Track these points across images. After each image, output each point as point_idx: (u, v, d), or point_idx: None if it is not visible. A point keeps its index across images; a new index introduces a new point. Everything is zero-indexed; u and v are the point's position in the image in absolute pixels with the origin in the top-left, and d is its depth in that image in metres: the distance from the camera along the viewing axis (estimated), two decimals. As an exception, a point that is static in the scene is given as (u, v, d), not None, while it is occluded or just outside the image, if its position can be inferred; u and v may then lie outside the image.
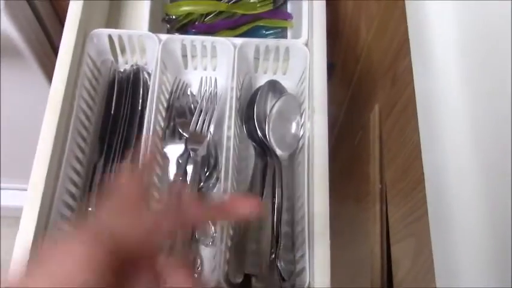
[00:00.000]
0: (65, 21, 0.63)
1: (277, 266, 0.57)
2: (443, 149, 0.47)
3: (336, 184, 0.60)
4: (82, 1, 0.64)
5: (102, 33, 0.66)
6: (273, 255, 0.58)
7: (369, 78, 0.76)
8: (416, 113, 0.50)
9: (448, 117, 0.46)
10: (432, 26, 0.50)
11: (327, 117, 0.60)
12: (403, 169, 0.59)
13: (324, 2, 0.67)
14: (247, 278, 0.56)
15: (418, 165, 0.52)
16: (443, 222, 0.46)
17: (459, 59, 0.46)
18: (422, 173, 0.50)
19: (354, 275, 0.76)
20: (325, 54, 0.63)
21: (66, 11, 0.64)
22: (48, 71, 0.83)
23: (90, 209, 0.59)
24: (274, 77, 0.69)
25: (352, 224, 0.81)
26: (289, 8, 0.77)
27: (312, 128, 0.60)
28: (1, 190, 1.29)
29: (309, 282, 0.53)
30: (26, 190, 1.20)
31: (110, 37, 0.66)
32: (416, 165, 0.53)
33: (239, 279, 0.55)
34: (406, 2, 0.55)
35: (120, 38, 0.66)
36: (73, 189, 0.59)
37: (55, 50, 0.87)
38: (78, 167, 0.60)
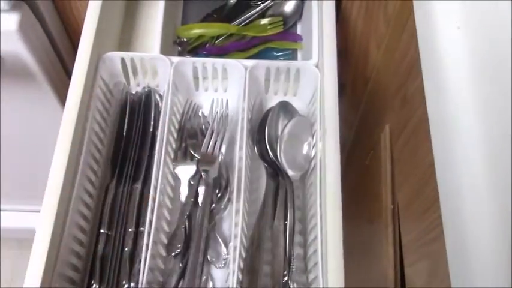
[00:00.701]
0: (76, 43, 0.64)
1: (290, 288, 0.57)
2: (457, 169, 0.46)
3: (346, 205, 0.59)
4: (95, 24, 0.64)
5: (115, 56, 0.66)
6: (286, 277, 0.58)
7: (379, 99, 0.76)
8: (429, 134, 0.50)
9: (462, 137, 0.46)
10: (443, 45, 0.50)
11: (338, 138, 0.60)
12: (416, 190, 0.58)
13: (334, 23, 0.67)
14: (260, 300, 0.56)
15: (432, 185, 0.51)
16: (458, 244, 0.46)
17: (472, 78, 0.46)
18: (437, 194, 0.49)
19: (367, 298, 0.75)
20: (336, 76, 0.63)
21: (78, 33, 0.65)
22: (60, 93, 0.84)
23: (102, 230, 0.59)
24: (285, 98, 0.69)
25: (364, 246, 0.80)
26: (299, 29, 0.78)
27: (324, 148, 0.59)
28: (8, 212, 1.29)
29: (323, 304, 0.53)
30: (27, 211, 1.21)
31: (122, 60, 0.67)
32: (430, 185, 0.53)
33: (252, 302, 0.55)
34: (416, 21, 0.55)
35: (132, 60, 0.67)
36: (85, 210, 0.59)
37: (67, 72, 0.88)
38: (90, 188, 0.61)
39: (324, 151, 0.60)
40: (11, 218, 1.26)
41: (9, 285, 1.39)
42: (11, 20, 0.70)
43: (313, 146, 0.63)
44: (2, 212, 1.26)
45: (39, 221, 0.53)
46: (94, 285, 0.56)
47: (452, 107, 0.48)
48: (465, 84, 0.46)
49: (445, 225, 0.48)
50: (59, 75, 0.85)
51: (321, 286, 0.53)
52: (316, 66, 0.67)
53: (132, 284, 0.57)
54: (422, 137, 0.54)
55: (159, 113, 0.66)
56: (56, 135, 0.58)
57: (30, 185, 0.99)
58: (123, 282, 0.57)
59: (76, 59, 0.62)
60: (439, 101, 0.51)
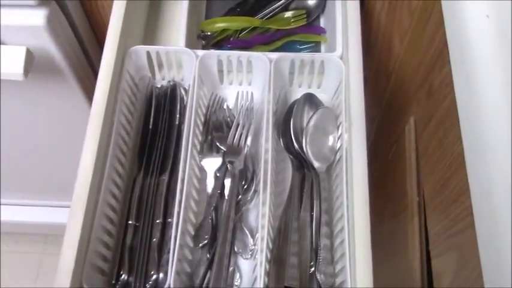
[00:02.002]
0: (102, 39, 0.65)
1: (316, 279, 0.57)
2: (487, 159, 0.46)
3: (371, 197, 0.59)
4: (121, 19, 0.65)
5: (141, 50, 0.67)
6: (313, 268, 0.58)
7: (403, 92, 0.76)
8: (458, 124, 0.50)
9: (491, 127, 0.46)
10: (471, 35, 0.50)
11: (365, 129, 0.60)
12: (443, 181, 0.58)
13: (359, 15, 0.67)
14: (287, 290, 0.56)
15: (461, 176, 0.51)
16: (488, 235, 0.46)
17: (501, 67, 0.45)
18: (467, 183, 0.49)
19: (393, 290, 0.75)
20: (361, 66, 0.63)
21: (104, 29, 0.66)
22: (86, 88, 0.85)
23: (130, 222, 0.60)
24: (309, 91, 0.70)
25: (389, 239, 0.80)
26: (323, 22, 0.78)
27: (350, 139, 0.60)
28: (35, 207, 1.31)
29: (351, 295, 0.53)
30: (53, 207, 1.23)
31: (148, 54, 0.68)
32: (458, 175, 0.52)
33: (280, 292, 0.55)
34: (443, 11, 0.55)
35: (157, 54, 0.68)
36: (114, 202, 0.60)
37: (92, 68, 0.89)
38: (118, 180, 0.61)
39: (350, 142, 0.60)
40: (38, 214, 1.27)
41: (35, 281, 1.42)
42: (39, 16, 0.71)
43: (339, 138, 0.63)
44: (29, 207, 1.28)
45: (70, 211, 0.54)
46: (123, 275, 0.57)
47: (480, 96, 0.48)
48: (494, 73, 0.46)
49: (474, 216, 0.47)
50: (85, 70, 0.86)
51: (349, 276, 0.53)
52: (341, 58, 0.67)
53: (161, 274, 0.57)
54: (450, 126, 0.54)
55: (184, 106, 0.67)
56: (82, 130, 0.59)
57: (57, 180, 1.01)
58: (152, 272, 0.57)
59: (103, 53, 0.63)
60: (467, 91, 0.50)
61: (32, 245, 1.45)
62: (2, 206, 1.28)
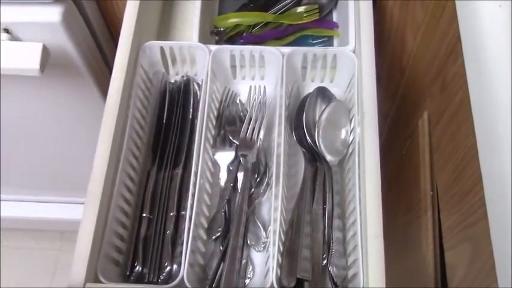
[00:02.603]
0: (116, 34, 0.66)
1: (329, 271, 0.57)
2: (499, 151, 0.46)
3: (384, 194, 0.59)
4: (135, 14, 0.66)
5: (155, 45, 0.68)
6: (325, 261, 0.58)
7: (416, 86, 0.75)
8: (471, 115, 0.50)
9: (504, 118, 0.46)
10: (484, 25, 0.49)
11: (377, 122, 0.60)
12: (456, 174, 0.58)
13: (371, 8, 0.67)
14: (300, 282, 0.56)
15: (474, 168, 0.51)
16: (501, 226, 0.45)
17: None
18: (479, 175, 0.49)
19: (405, 284, 0.75)
20: (374, 60, 0.63)
21: (118, 26, 0.67)
22: (101, 84, 0.86)
23: (144, 214, 0.61)
24: (322, 85, 0.70)
25: (402, 233, 0.80)
26: (335, 17, 0.78)
27: (362, 133, 0.60)
28: (50, 204, 1.33)
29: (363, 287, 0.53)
30: (69, 203, 1.24)
31: (161, 49, 0.68)
32: (471, 167, 0.52)
33: (292, 284, 0.55)
34: (456, 3, 0.55)
35: (171, 49, 0.68)
36: (128, 195, 0.61)
37: (107, 64, 0.90)
38: (132, 173, 0.62)
39: (362, 136, 0.60)
40: (53, 210, 1.29)
41: (51, 276, 1.43)
42: (55, 12, 0.72)
43: (351, 131, 0.64)
44: (45, 203, 1.29)
45: (85, 203, 0.55)
46: (137, 267, 0.58)
47: (493, 88, 0.47)
48: (507, 65, 0.46)
49: (487, 207, 0.47)
50: (100, 66, 0.87)
51: (361, 269, 0.53)
52: (353, 52, 0.67)
53: (174, 266, 0.58)
54: (463, 119, 0.54)
55: (198, 101, 0.67)
56: (97, 125, 0.59)
57: (73, 177, 1.02)
58: (165, 264, 0.58)
59: (118, 48, 0.64)
60: (480, 83, 0.50)
61: (50, 242, 1.47)
62: (19, 203, 1.30)
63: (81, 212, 0.55)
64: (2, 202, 1.30)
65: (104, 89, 0.86)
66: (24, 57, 0.70)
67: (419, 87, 0.74)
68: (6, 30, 0.73)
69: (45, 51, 0.71)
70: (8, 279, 1.42)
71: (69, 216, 1.25)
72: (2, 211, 1.30)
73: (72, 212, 1.25)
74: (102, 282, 0.53)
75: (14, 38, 0.74)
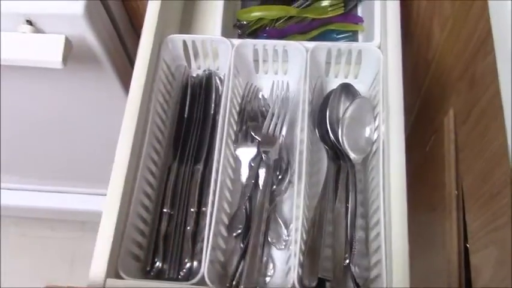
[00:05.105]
0: (137, 25, 0.65)
1: (351, 271, 0.56)
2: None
3: (406, 191, 0.58)
4: (158, 8, 0.65)
5: (177, 38, 0.67)
6: (347, 261, 0.57)
7: (442, 82, 0.74)
8: (501, 114, 0.48)
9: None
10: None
11: (403, 120, 0.58)
12: (484, 174, 0.56)
13: (398, 2, 0.66)
14: (321, 282, 0.55)
15: (504, 169, 0.50)
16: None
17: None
18: (509, 178, 0.47)
19: (428, 284, 0.74)
20: (400, 56, 0.62)
21: (140, 19, 0.66)
22: (123, 78, 0.86)
23: (165, 210, 0.61)
24: (346, 81, 0.68)
25: (425, 233, 0.79)
26: (360, 11, 0.77)
27: (387, 131, 0.58)
28: (72, 195, 1.34)
29: (386, 288, 0.52)
30: (91, 194, 1.25)
31: (184, 43, 0.68)
32: (501, 168, 0.51)
33: (313, 283, 0.55)
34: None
35: (193, 43, 0.68)
36: (149, 190, 0.61)
37: (129, 57, 0.90)
38: (153, 168, 0.62)
39: (387, 134, 0.58)
40: (75, 201, 1.30)
41: (70, 266, 1.45)
42: (78, 5, 0.72)
43: (376, 129, 0.62)
44: (66, 194, 1.30)
45: (107, 198, 0.55)
46: (157, 263, 0.58)
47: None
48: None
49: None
50: (122, 59, 0.87)
51: (384, 270, 0.52)
52: (379, 47, 0.66)
53: (195, 263, 0.58)
54: (493, 118, 0.52)
55: (220, 96, 0.67)
56: (118, 118, 0.59)
57: (93, 168, 1.03)
58: (186, 260, 0.58)
59: (140, 42, 0.63)
60: (511, 81, 0.49)
61: (69, 232, 1.49)
62: (39, 193, 1.31)
63: (101, 203, 0.55)
64: (22, 192, 1.31)
65: (125, 82, 0.86)
66: (47, 50, 0.70)
67: (445, 82, 0.72)
68: (29, 22, 0.73)
69: (68, 44, 0.71)
70: (27, 268, 1.44)
71: (89, 207, 1.26)
72: (22, 201, 1.31)
73: (92, 203, 1.26)
74: (122, 278, 0.53)
75: (36, 30, 0.74)
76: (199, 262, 0.56)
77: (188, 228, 0.59)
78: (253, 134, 0.64)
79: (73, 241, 1.47)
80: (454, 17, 0.65)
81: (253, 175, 0.62)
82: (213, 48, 0.68)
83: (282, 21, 0.75)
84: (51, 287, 0.46)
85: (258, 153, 0.63)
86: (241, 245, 0.59)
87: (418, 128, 0.89)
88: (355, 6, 0.76)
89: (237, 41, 0.66)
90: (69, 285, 0.46)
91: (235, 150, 0.64)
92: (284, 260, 0.59)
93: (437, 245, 0.70)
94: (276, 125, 0.64)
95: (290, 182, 0.62)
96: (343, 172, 0.61)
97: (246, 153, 0.64)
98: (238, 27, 0.74)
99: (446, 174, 0.69)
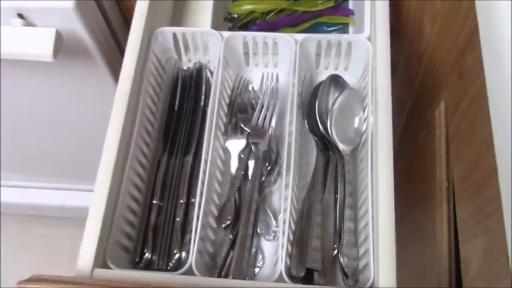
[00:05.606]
0: (129, 20, 0.65)
1: (339, 261, 0.56)
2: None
3: (398, 185, 0.58)
4: (148, 1, 0.65)
5: (167, 31, 0.67)
6: (336, 251, 0.57)
7: (434, 76, 0.74)
8: (487, 105, 0.48)
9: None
10: (502, 12, 0.48)
11: (391, 111, 0.58)
12: (472, 165, 0.57)
13: (388, -2, 0.66)
14: (310, 272, 0.55)
15: (489, 158, 0.50)
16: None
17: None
18: (495, 166, 0.47)
19: (419, 276, 0.74)
20: (389, 47, 0.62)
21: (131, 11, 0.66)
22: (115, 71, 0.86)
23: (154, 201, 0.61)
24: (336, 73, 0.68)
25: (416, 224, 0.79)
26: (351, 4, 0.77)
27: (376, 122, 0.58)
28: (66, 191, 1.34)
29: (373, 279, 0.52)
30: (83, 190, 1.24)
31: (174, 35, 0.68)
32: (487, 159, 0.51)
33: (301, 273, 0.55)
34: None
35: (183, 36, 0.68)
36: (138, 181, 0.61)
37: (121, 50, 0.90)
38: (143, 160, 0.62)
39: (375, 125, 0.59)
40: (76, 198, 1.30)
41: (70, 264, 1.45)
42: (69, -2, 0.72)
43: (365, 120, 0.62)
44: (67, 191, 1.30)
45: (95, 189, 0.55)
46: (147, 254, 0.58)
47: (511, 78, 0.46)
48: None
49: (503, 200, 0.46)
50: (113, 52, 0.87)
51: (372, 260, 0.52)
52: (368, 39, 0.66)
53: (183, 253, 0.58)
54: (479, 109, 0.53)
55: (210, 88, 0.67)
56: (109, 111, 0.59)
57: (87, 163, 1.02)
58: (175, 251, 0.58)
59: (130, 34, 0.64)
60: (497, 73, 0.49)
61: (69, 229, 1.48)
62: (40, 190, 1.31)
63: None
64: (20, 189, 1.31)
65: (117, 75, 0.85)
66: (38, 43, 0.70)
67: (437, 76, 0.72)
68: (20, 16, 0.73)
69: (59, 37, 0.71)
70: (28, 265, 1.44)
71: (87, 203, 1.26)
72: (21, 198, 1.31)
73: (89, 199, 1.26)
74: (110, 268, 0.53)
75: (27, 23, 0.74)
76: (188, 253, 0.56)
77: (177, 219, 0.60)
78: (242, 125, 0.64)
79: (73, 239, 1.47)
80: (445, 12, 0.65)
81: (243, 166, 0.62)
82: (203, 41, 0.68)
83: (272, 14, 0.75)
84: (37, 276, 0.46)
85: (248, 145, 0.63)
86: (230, 236, 0.59)
87: (411, 121, 0.89)
88: (346, -1, 0.77)
89: (227, 33, 0.66)
90: (55, 275, 0.46)
91: (224, 142, 0.64)
92: (273, 250, 0.59)
93: (428, 235, 0.70)
94: (265, 116, 0.64)
95: (279, 173, 0.62)
96: (332, 163, 0.61)
97: (236, 145, 0.64)
98: (229, 21, 0.74)
99: (437, 167, 0.69)
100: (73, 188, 1.30)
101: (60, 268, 1.48)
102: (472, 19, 0.53)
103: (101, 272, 0.51)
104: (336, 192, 0.60)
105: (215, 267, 0.58)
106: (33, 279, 0.45)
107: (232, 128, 0.65)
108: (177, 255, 0.58)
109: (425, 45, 0.75)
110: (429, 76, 0.76)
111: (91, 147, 1.06)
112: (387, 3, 0.66)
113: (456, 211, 0.62)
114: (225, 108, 0.66)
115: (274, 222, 0.60)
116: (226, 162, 0.64)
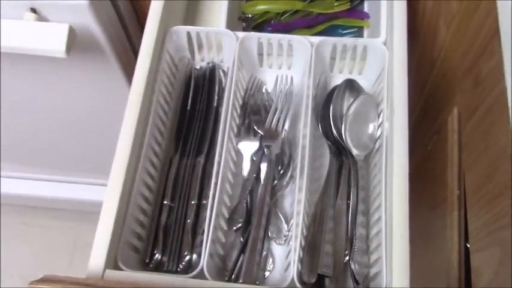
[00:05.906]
0: (143, 19, 0.65)
1: (351, 268, 0.56)
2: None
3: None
4: (163, 0, 0.65)
5: (181, 30, 0.67)
6: (347, 258, 0.57)
7: (447, 80, 0.73)
8: (507, 114, 0.48)
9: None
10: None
11: (407, 118, 0.58)
12: (487, 174, 0.56)
13: (405, 2, 0.65)
14: (320, 278, 0.55)
15: (506, 169, 0.49)
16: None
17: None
18: (511, 178, 0.47)
19: (428, 284, 0.73)
20: (406, 53, 0.61)
21: (145, 10, 0.66)
22: (126, 68, 0.86)
23: (165, 202, 0.60)
24: (350, 77, 0.68)
25: (426, 231, 0.78)
26: (366, 7, 0.76)
27: (391, 128, 0.58)
28: (72, 184, 1.33)
29: (386, 287, 0.52)
30: (90, 184, 1.24)
31: (188, 34, 0.67)
32: (503, 169, 0.50)
33: (313, 279, 0.54)
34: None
35: (198, 35, 0.67)
36: (150, 181, 0.60)
37: (133, 47, 0.90)
38: (155, 160, 0.61)
39: (391, 131, 0.58)
40: (77, 190, 1.30)
41: (71, 255, 1.45)
42: (83, -6, 0.72)
43: (379, 126, 0.62)
44: (68, 183, 1.30)
45: (108, 189, 0.55)
46: (157, 255, 0.58)
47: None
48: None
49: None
50: (126, 50, 0.87)
51: (384, 267, 0.52)
52: (384, 44, 0.65)
53: (194, 255, 0.57)
54: (498, 118, 0.52)
55: (223, 88, 0.66)
56: (121, 109, 0.59)
57: (95, 158, 1.03)
58: (185, 253, 0.57)
59: (144, 32, 0.63)
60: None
61: (70, 221, 1.49)
62: (40, 182, 1.31)
63: (102, 193, 0.55)
64: (23, 180, 1.31)
65: (129, 72, 0.86)
66: (51, 38, 0.70)
67: (450, 81, 0.72)
68: (33, 10, 0.73)
69: (72, 33, 0.70)
70: (28, 257, 1.44)
71: (90, 196, 1.26)
72: (23, 189, 1.31)
73: (94, 192, 1.26)
74: (121, 269, 0.53)
75: (41, 18, 0.73)
76: (199, 255, 0.55)
77: (188, 220, 0.59)
78: (255, 128, 0.64)
79: (74, 230, 1.47)
80: (460, 15, 0.64)
81: (255, 169, 0.62)
82: (217, 41, 0.68)
83: (287, 15, 0.74)
84: (49, 277, 0.46)
85: (260, 148, 0.63)
86: (241, 239, 0.59)
87: (421, 124, 0.88)
88: (361, 1, 0.76)
89: (241, 34, 0.66)
90: (68, 276, 0.46)
91: (237, 143, 0.64)
92: (284, 255, 0.59)
93: (438, 244, 0.69)
94: (278, 119, 0.64)
95: (292, 176, 0.61)
96: (345, 168, 0.61)
97: (248, 147, 0.63)
98: (243, 20, 0.74)
99: (448, 174, 0.69)
100: (74, 180, 1.31)
101: (60, 260, 1.48)
102: (492, 20, 0.53)
103: (113, 274, 0.51)
104: (348, 198, 0.60)
105: (225, 269, 0.58)
106: (45, 280, 0.45)
107: (245, 130, 0.64)
108: (187, 257, 0.57)
109: (439, 47, 0.74)
110: (442, 80, 0.76)
111: (94, 141, 1.06)
112: (405, 3, 0.65)
113: (468, 220, 0.61)
114: (238, 110, 0.66)
115: (286, 226, 0.60)
116: (238, 164, 0.64)
